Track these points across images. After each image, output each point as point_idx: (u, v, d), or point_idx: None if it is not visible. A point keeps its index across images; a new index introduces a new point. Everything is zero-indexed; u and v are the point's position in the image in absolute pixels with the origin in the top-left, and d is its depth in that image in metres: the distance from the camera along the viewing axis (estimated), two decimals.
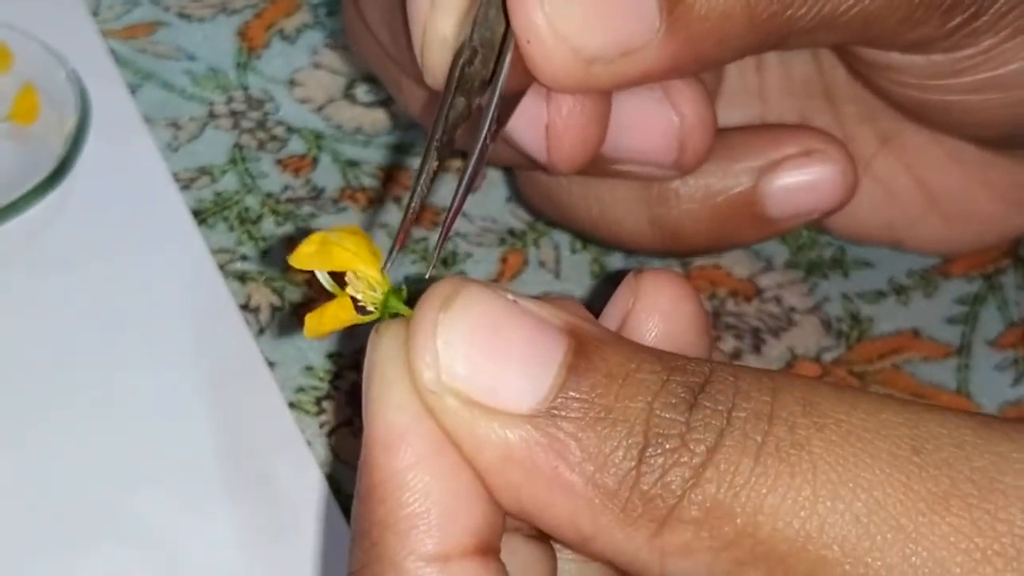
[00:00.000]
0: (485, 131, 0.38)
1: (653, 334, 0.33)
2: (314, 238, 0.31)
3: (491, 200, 0.63)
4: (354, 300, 0.31)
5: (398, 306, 0.30)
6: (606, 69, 0.37)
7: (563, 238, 0.62)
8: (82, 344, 0.55)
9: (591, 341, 0.28)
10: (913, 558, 0.24)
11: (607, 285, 0.60)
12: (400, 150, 0.65)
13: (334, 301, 0.31)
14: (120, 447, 0.52)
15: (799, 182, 0.48)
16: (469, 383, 0.27)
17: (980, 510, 0.24)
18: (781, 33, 0.39)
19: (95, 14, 0.70)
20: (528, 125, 0.40)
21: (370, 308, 0.30)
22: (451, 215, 0.36)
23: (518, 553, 0.32)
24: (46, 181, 0.59)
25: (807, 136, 0.48)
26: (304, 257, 0.31)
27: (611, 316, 0.34)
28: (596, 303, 0.37)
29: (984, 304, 0.61)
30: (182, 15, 0.71)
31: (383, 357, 0.28)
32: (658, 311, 0.33)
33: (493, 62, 0.38)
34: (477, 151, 0.37)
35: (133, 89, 0.66)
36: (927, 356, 0.59)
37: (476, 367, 0.27)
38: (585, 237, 0.58)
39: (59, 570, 0.48)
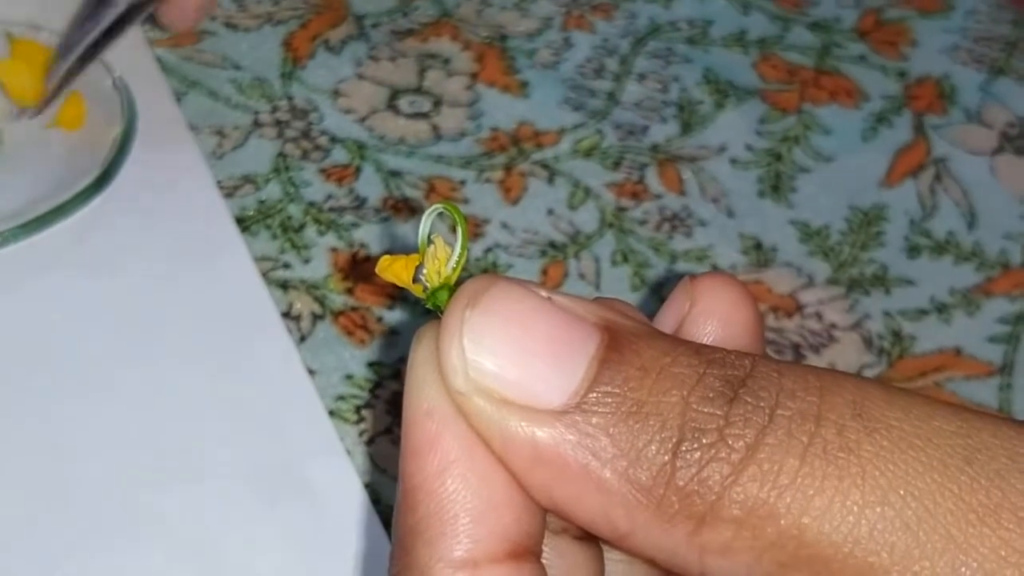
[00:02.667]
0: None
1: (710, 339, 0.33)
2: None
3: (532, 212, 0.64)
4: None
5: (442, 301, 0.30)
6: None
7: (604, 250, 0.62)
8: (124, 347, 0.55)
9: (625, 335, 0.27)
10: (963, 569, 0.24)
11: (648, 297, 0.60)
12: (442, 161, 0.65)
13: (407, 257, 0.30)
14: (160, 449, 0.52)
15: None
16: (497, 380, 0.26)
17: None
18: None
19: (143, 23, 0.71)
20: None
21: (425, 286, 0.30)
22: None
23: (566, 554, 0.31)
24: (91, 186, 0.59)
25: None
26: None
27: (666, 320, 0.34)
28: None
29: None
30: (228, 24, 0.72)
31: (418, 360, 0.28)
32: (715, 315, 0.33)
33: None
34: None
35: (178, 97, 0.67)
36: (969, 375, 0.59)
37: (504, 364, 0.26)
38: None
39: (97, 569, 0.48)
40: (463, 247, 0.30)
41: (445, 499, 0.27)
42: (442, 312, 0.28)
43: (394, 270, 0.30)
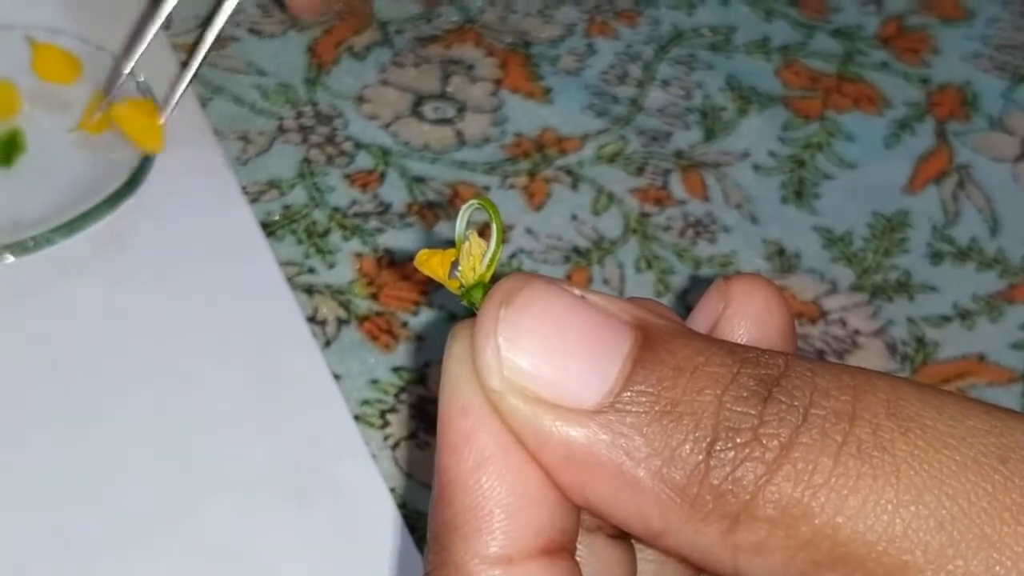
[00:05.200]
0: None
1: (743, 340, 0.33)
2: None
3: (556, 218, 0.64)
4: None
5: (477, 298, 0.30)
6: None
7: (627, 256, 0.62)
8: (151, 352, 0.55)
9: (659, 334, 0.27)
10: (997, 567, 0.24)
11: (673, 303, 0.61)
12: (466, 167, 0.66)
13: (444, 252, 0.30)
14: (187, 454, 0.52)
15: None
16: (531, 379, 0.26)
17: None
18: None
19: (167, 28, 0.71)
20: None
21: (461, 282, 0.30)
22: None
23: (599, 552, 0.31)
24: (118, 192, 0.59)
25: None
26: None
27: (699, 321, 0.34)
28: None
29: None
30: (253, 30, 0.72)
31: (453, 357, 0.28)
32: (749, 316, 0.33)
33: None
34: None
35: (203, 102, 0.67)
36: (992, 381, 0.59)
37: (538, 362, 0.27)
38: None
39: (127, 572, 0.49)
40: (497, 244, 0.30)
41: (480, 495, 0.27)
42: (477, 309, 0.28)
43: (431, 265, 0.31)
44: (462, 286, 0.30)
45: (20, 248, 0.57)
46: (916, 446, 0.25)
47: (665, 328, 0.27)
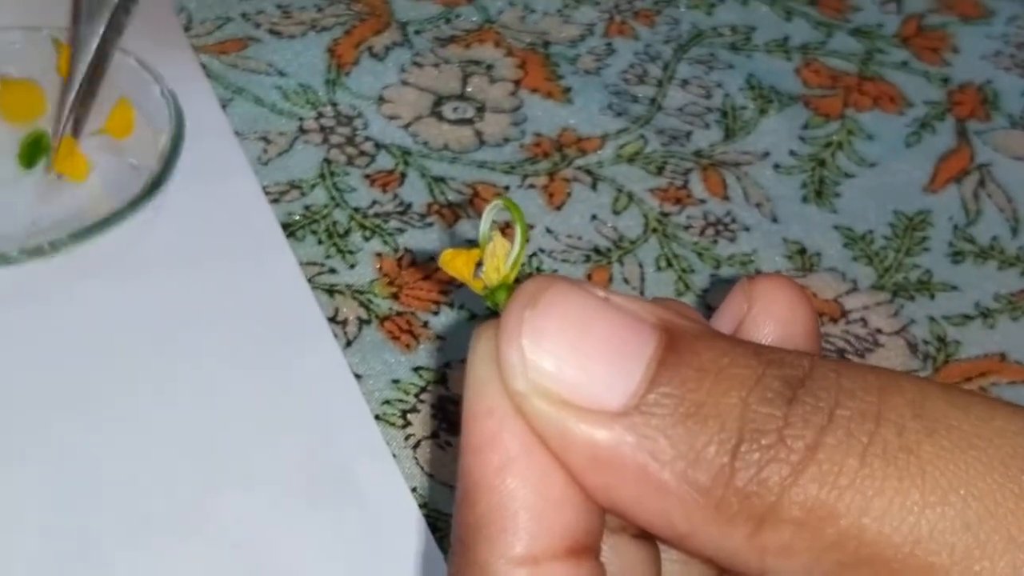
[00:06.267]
0: None
1: (768, 340, 0.32)
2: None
3: (576, 218, 0.64)
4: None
5: (501, 299, 0.30)
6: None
7: (647, 255, 0.62)
8: (173, 351, 0.56)
9: (683, 336, 0.27)
10: (1023, 569, 0.24)
11: (693, 303, 0.61)
12: (486, 167, 0.66)
13: (469, 252, 0.30)
14: (209, 452, 0.52)
15: None
16: (556, 381, 0.26)
17: None
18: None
19: (188, 29, 0.71)
20: None
21: (485, 283, 0.30)
22: None
23: (623, 553, 0.31)
24: (141, 193, 0.59)
25: None
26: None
27: (723, 321, 0.34)
28: None
29: None
30: (273, 31, 0.72)
31: (478, 358, 0.28)
32: (773, 317, 0.33)
33: None
34: None
35: (224, 103, 0.67)
36: (1014, 380, 0.59)
37: (563, 365, 0.26)
38: None
39: (147, 570, 0.49)
40: (521, 246, 0.30)
41: (505, 496, 0.27)
42: (500, 311, 0.28)
43: (455, 265, 0.30)
44: (486, 287, 0.30)
45: (38, 252, 0.57)
46: (942, 447, 0.25)
47: (689, 329, 0.27)
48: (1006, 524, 0.24)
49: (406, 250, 0.61)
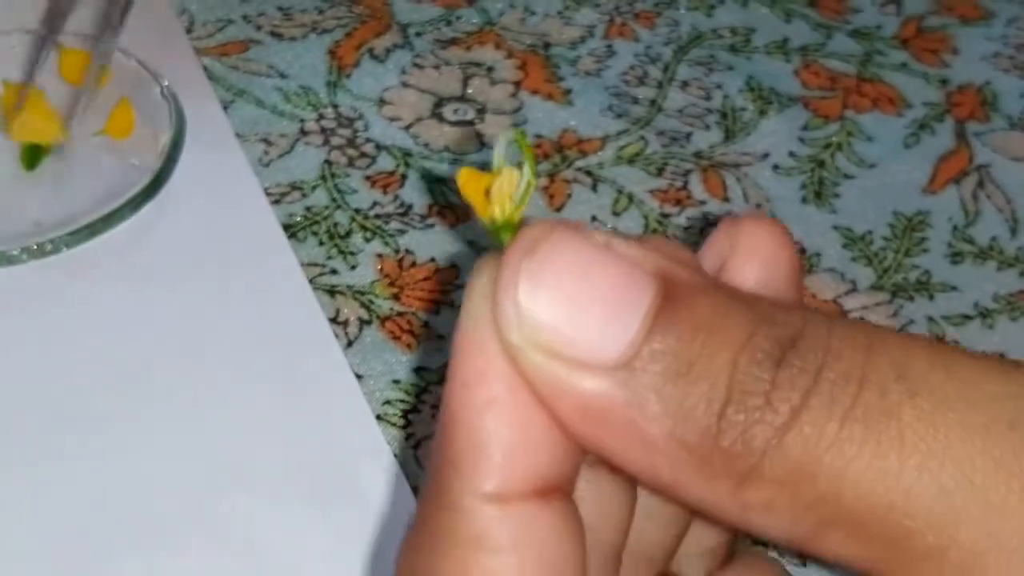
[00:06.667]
0: None
1: (752, 280, 0.33)
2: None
3: (576, 218, 0.64)
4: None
5: (505, 238, 0.29)
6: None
7: None
8: (174, 353, 0.56)
9: (680, 287, 0.27)
10: (999, 534, 0.24)
11: None
12: (487, 168, 0.66)
13: (486, 176, 0.30)
14: (211, 453, 0.53)
15: None
16: (551, 332, 0.26)
17: None
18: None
19: (189, 31, 0.72)
20: None
21: (495, 217, 0.30)
22: None
23: (600, 486, 0.32)
24: (141, 194, 0.60)
25: None
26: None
27: (707, 260, 0.34)
28: None
29: None
30: (274, 33, 0.73)
31: (476, 293, 0.28)
32: (757, 257, 0.33)
33: None
34: None
35: (225, 105, 0.68)
36: None
37: (558, 316, 0.26)
38: None
39: (151, 568, 0.49)
40: (528, 184, 0.29)
41: (483, 435, 0.28)
42: (504, 249, 0.28)
43: (470, 189, 0.30)
44: (492, 221, 0.30)
45: (40, 252, 0.57)
46: (922, 410, 0.25)
47: (687, 280, 0.27)
48: (983, 488, 0.24)
49: (407, 251, 0.61)
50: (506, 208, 0.29)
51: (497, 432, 0.28)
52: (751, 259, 0.33)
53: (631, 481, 0.32)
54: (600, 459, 0.28)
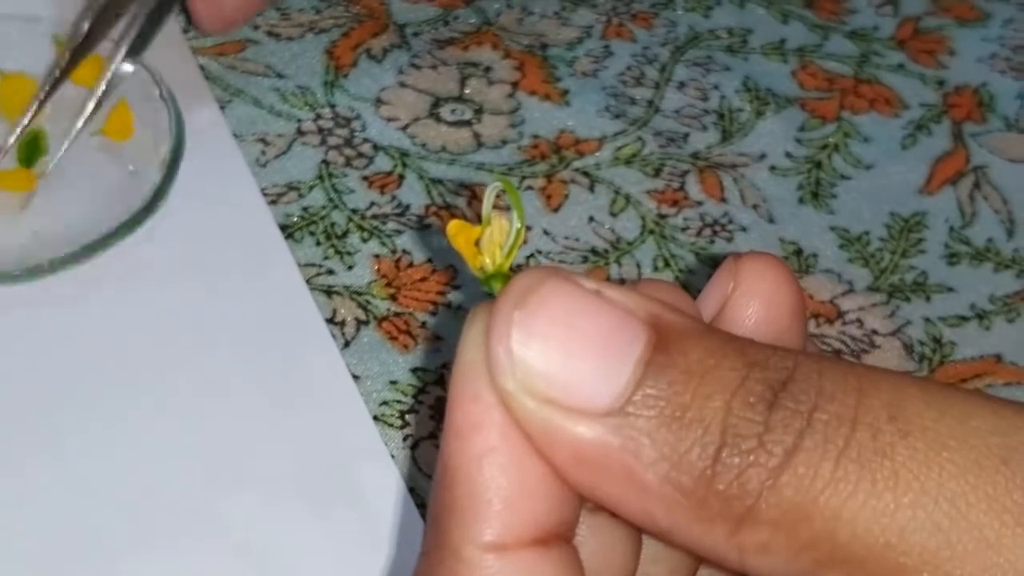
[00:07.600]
0: None
1: (753, 320, 0.33)
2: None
3: (574, 219, 0.64)
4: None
5: (496, 287, 0.30)
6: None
7: (645, 256, 0.62)
8: (174, 355, 0.56)
9: (672, 333, 0.27)
10: (994, 569, 0.24)
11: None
12: (484, 169, 0.66)
13: (475, 228, 0.30)
14: (208, 453, 0.53)
15: None
16: (544, 380, 0.27)
17: None
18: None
19: (186, 31, 0.72)
20: None
21: (485, 266, 0.30)
22: None
23: (601, 532, 0.32)
24: (143, 210, 0.58)
25: None
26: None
27: (709, 299, 0.34)
28: None
29: None
30: (271, 33, 0.73)
31: (469, 342, 0.28)
32: (758, 296, 0.33)
33: None
34: None
35: (222, 105, 0.68)
36: (1009, 381, 0.59)
37: (551, 363, 0.27)
38: None
39: (149, 568, 0.49)
40: (517, 233, 0.30)
41: (481, 483, 0.28)
42: (495, 296, 0.28)
43: (460, 240, 0.30)
44: (483, 270, 0.30)
45: (38, 271, 0.56)
46: (915, 449, 0.25)
47: (679, 326, 0.27)
48: (978, 525, 0.24)
49: (404, 251, 0.61)
50: (496, 257, 0.30)
51: (495, 480, 0.28)
52: (752, 297, 0.33)
53: (634, 526, 0.33)
54: (599, 505, 0.29)
